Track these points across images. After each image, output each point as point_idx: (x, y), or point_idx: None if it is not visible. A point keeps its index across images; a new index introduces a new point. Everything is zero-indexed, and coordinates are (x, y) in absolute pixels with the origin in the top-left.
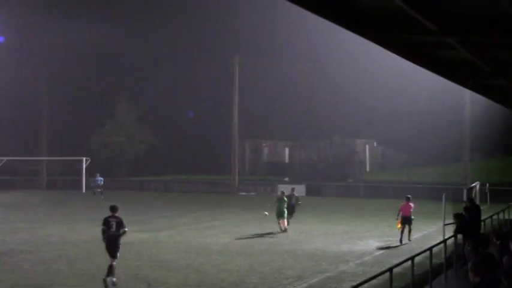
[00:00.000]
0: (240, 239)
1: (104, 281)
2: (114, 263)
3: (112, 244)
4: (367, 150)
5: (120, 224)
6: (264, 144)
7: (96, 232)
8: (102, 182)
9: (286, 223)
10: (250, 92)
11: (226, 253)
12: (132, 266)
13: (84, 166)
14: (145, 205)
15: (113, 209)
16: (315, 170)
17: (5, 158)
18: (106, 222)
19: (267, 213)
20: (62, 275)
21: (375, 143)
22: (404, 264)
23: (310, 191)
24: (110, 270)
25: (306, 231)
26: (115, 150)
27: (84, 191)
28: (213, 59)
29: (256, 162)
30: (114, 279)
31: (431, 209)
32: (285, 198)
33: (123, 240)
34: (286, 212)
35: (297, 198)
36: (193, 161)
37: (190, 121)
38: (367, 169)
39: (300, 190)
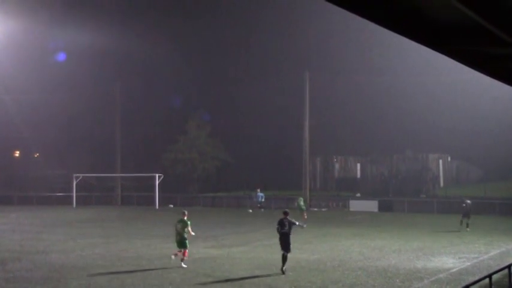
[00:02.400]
0: (312, 255)
1: (282, 271)
2: (287, 255)
3: (285, 240)
4: (440, 165)
5: (291, 224)
6: (335, 160)
7: (168, 248)
8: (263, 199)
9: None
10: (321, 107)
11: (299, 269)
12: (206, 281)
13: (157, 182)
14: (218, 221)
15: (286, 213)
16: (387, 185)
17: (82, 175)
18: (280, 223)
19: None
20: None
21: (449, 158)
22: (482, 282)
23: (382, 207)
24: (285, 260)
25: (378, 248)
26: (187, 166)
27: (157, 206)
28: (283, 74)
29: (327, 177)
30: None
31: (509, 225)
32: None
33: (197, 255)
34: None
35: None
36: (264, 177)
37: (261, 137)
38: (441, 184)
39: (372, 206)
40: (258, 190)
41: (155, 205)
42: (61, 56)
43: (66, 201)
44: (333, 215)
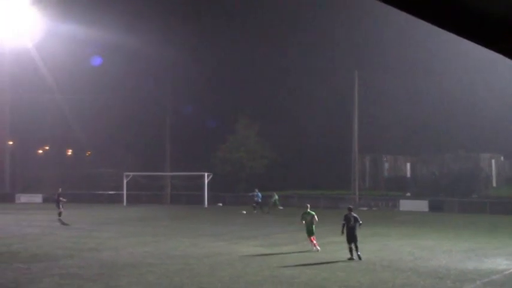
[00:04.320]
0: (362, 255)
1: (358, 256)
2: (355, 246)
3: (352, 233)
4: (493, 164)
5: (356, 219)
6: (384, 159)
7: (217, 247)
8: (259, 199)
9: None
10: (371, 106)
11: (348, 269)
12: (254, 281)
13: (206, 181)
14: (267, 220)
15: (350, 209)
16: (438, 185)
17: (132, 174)
18: (346, 218)
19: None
20: (186, 287)
21: (502, 158)
22: None
23: (432, 207)
24: (357, 248)
25: (429, 248)
26: (236, 165)
27: (206, 205)
28: (333, 73)
29: (377, 177)
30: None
31: None
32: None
33: (246, 254)
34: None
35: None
36: (313, 175)
37: (310, 136)
38: (494, 184)
39: (422, 206)
40: (256, 190)
41: (204, 204)
42: (97, 61)
43: (116, 199)
44: (382, 215)
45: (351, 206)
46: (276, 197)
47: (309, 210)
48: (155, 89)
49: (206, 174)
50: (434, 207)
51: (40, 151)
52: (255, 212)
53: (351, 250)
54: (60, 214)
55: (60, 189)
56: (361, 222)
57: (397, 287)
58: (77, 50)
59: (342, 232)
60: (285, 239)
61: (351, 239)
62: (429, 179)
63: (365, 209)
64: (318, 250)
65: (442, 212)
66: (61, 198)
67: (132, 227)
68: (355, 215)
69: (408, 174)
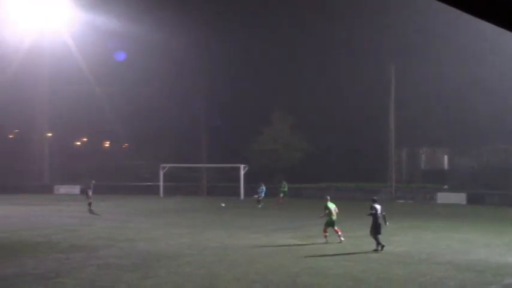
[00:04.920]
0: (398, 247)
1: (382, 246)
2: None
3: (377, 223)
4: None
5: (381, 209)
6: (421, 151)
7: (254, 238)
8: (263, 194)
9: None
10: (407, 98)
11: (384, 262)
12: (290, 272)
13: (242, 173)
14: (302, 212)
15: (374, 200)
16: (477, 177)
17: (168, 165)
18: (373, 208)
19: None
20: (222, 278)
21: None
22: None
23: (471, 200)
24: (378, 240)
25: (467, 241)
26: (272, 157)
27: (242, 197)
28: (368, 65)
29: (414, 169)
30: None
31: None
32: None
33: (282, 246)
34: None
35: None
36: (348, 168)
37: (345, 128)
38: None
39: (460, 198)
40: (262, 184)
41: (240, 196)
42: (121, 56)
43: (153, 190)
44: (420, 208)
45: (374, 197)
46: (284, 187)
47: (329, 202)
48: (191, 81)
49: (242, 166)
50: (473, 200)
51: (78, 143)
52: (260, 206)
53: (379, 239)
54: (90, 204)
55: (93, 181)
56: (383, 213)
57: (435, 280)
58: (112, 42)
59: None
60: (319, 231)
61: (377, 229)
62: (467, 172)
63: (401, 201)
64: (341, 241)
65: (481, 205)
66: (88, 190)
67: (168, 218)
68: (379, 206)
69: (446, 166)
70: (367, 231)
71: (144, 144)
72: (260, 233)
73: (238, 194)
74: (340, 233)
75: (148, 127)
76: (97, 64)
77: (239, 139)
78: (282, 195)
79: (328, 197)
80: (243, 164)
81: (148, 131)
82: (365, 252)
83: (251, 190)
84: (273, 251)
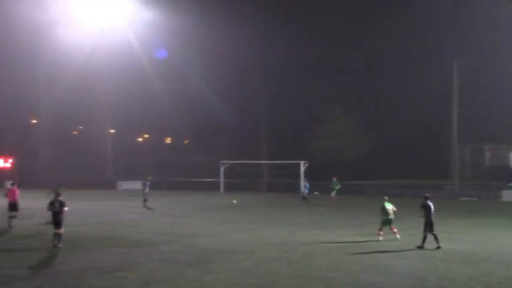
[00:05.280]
0: (462, 245)
1: (438, 246)
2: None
3: (428, 222)
4: None
5: (430, 208)
6: (486, 148)
7: (313, 235)
8: (307, 190)
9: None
10: (471, 94)
11: (448, 260)
12: (352, 270)
13: (302, 169)
14: (363, 209)
15: (427, 197)
16: None
17: (228, 162)
18: (424, 206)
19: (235, 201)
20: (282, 275)
21: None
22: None
23: None
24: (435, 238)
25: None
26: (332, 153)
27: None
28: (431, 61)
29: (478, 166)
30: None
31: None
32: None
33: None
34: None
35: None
36: (411, 164)
37: (408, 125)
38: None
39: None
40: (306, 180)
41: (300, 192)
42: (162, 53)
43: (213, 187)
44: (484, 205)
45: (427, 195)
46: (337, 186)
47: (386, 202)
48: (250, 77)
49: (302, 162)
50: None
51: (140, 139)
52: (305, 203)
53: (424, 238)
54: (145, 200)
55: (149, 177)
56: (434, 211)
57: (500, 279)
58: (172, 39)
59: (421, 216)
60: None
61: (428, 227)
62: None
63: (465, 199)
64: (397, 238)
65: None
66: (144, 186)
67: (228, 214)
68: (431, 203)
69: (511, 163)
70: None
71: (204, 140)
72: (321, 229)
73: (299, 190)
74: (395, 230)
75: (209, 124)
76: (158, 61)
77: (299, 135)
78: (333, 193)
79: (386, 197)
80: (304, 160)
81: (209, 127)
82: (427, 250)
83: (311, 186)
84: (334, 248)
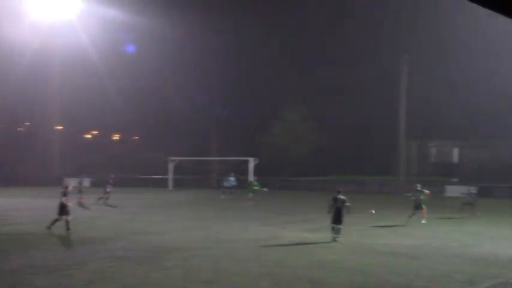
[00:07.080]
0: (406, 240)
1: (335, 238)
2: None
3: (337, 215)
4: None
5: (344, 201)
6: (431, 145)
7: (264, 231)
8: (234, 183)
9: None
10: (417, 91)
11: (393, 255)
12: (300, 265)
13: (251, 166)
14: (310, 205)
15: (339, 191)
16: (487, 170)
17: (178, 158)
18: (334, 200)
19: (373, 211)
20: (232, 271)
21: None
22: None
23: (481, 193)
24: (338, 231)
25: (476, 234)
26: (281, 150)
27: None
28: (379, 58)
29: (423, 162)
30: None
31: None
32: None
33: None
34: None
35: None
36: (358, 161)
37: (355, 121)
38: None
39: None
40: (232, 174)
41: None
42: (131, 48)
43: (162, 183)
44: (428, 201)
45: (340, 189)
46: (256, 186)
47: (419, 188)
48: (201, 75)
49: (252, 159)
50: (483, 194)
51: (88, 136)
52: (222, 197)
53: (333, 229)
54: (101, 198)
55: (112, 176)
56: (348, 204)
57: (443, 273)
58: (123, 34)
59: (328, 212)
60: (327, 224)
61: (336, 220)
62: (477, 165)
63: (410, 194)
64: (424, 222)
65: (492, 198)
66: (106, 185)
67: (177, 211)
68: (343, 197)
69: (455, 160)
70: (376, 223)
71: (154, 137)
72: (271, 225)
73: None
74: (425, 214)
75: (159, 120)
76: (107, 57)
77: (249, 132)
78: (251, 194)
79: (419, 185)
80: (253, 157)
81: (159, 123)
82: (375, 244)
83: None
84: (282, 244)
